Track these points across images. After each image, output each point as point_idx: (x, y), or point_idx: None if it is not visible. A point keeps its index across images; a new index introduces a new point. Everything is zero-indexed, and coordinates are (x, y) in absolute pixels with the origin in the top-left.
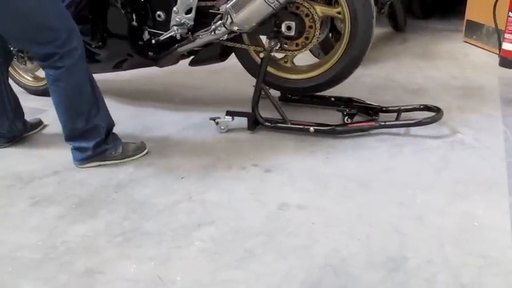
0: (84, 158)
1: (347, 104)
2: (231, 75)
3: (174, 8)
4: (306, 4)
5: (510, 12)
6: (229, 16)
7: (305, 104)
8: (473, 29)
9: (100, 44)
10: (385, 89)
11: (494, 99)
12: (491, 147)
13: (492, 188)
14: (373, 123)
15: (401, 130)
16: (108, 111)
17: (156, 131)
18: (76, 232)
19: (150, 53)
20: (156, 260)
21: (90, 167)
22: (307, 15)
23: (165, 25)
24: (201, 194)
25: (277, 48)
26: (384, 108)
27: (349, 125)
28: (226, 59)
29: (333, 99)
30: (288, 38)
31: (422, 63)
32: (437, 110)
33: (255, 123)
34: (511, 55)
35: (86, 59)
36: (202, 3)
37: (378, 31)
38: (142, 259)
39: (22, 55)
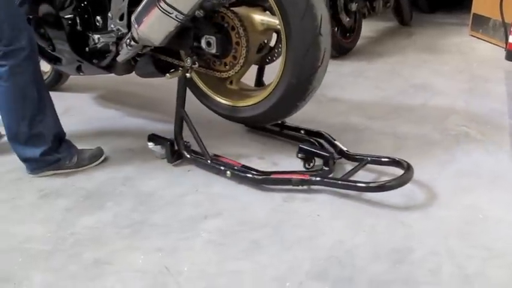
0: (35, 168)
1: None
2: None
3: (109, 14)
4: (229, 14)
5: None
6: (134, 28)
7: (274, 134)
8: (480, 23)
9: (51, 47)
10: (390, 83)
11: (500, 93)
12: (496, 140)
13: (497, 181)
14: (307, 176)
15: (404, 127)
16: (57, 119)
17: (161, 124)
18: (84, 224)
19: (94, 60)
20: (164, 251)
21: (45, 176)
22: (233, 28)
23: (104, 31)
24: (207, 187)
25: (195, 66)
26: (350, 155)
27: (273, 175)
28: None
29: (302, 131)
30: (215, 55)
31: (428, 57)
32: (407, 168)
33: (176, 154)
34: None
35: (35, 63)
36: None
37: (383, 25)
38: (150, 250)
39: None
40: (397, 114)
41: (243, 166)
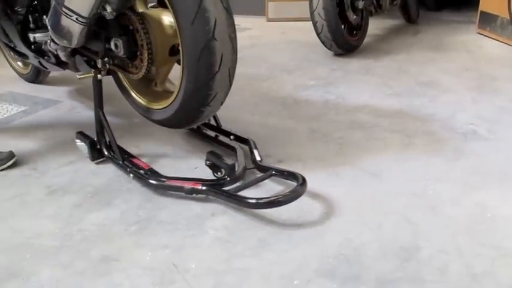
0: None
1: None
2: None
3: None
4: (133, 16)
5: None
6: (49, 30)
7: (209, 139)
8: (487, 21)
9: (12, 44)
10: (397, 81)
11: (508, 91)
12: (504, 138)
13: (505, 179)
14: (199, 186)
15: (412, 125)
16: None
17: None
18: (92, 221)
19: (46, 57)
20: (171, 248)
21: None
22: (137, 30)
23: (43, 30)
24: None
25: (107, 67)
26: (260, 166)
27: (169, 181)
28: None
29: (232, 137)
30: (128, 58)
31: (435, 55)
32: (302, 182)
33: (97, 153)
34: None
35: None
36: None
37: (390, 23)
38: (157, 247)
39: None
40: (405, 111)
41: (150, 169)
